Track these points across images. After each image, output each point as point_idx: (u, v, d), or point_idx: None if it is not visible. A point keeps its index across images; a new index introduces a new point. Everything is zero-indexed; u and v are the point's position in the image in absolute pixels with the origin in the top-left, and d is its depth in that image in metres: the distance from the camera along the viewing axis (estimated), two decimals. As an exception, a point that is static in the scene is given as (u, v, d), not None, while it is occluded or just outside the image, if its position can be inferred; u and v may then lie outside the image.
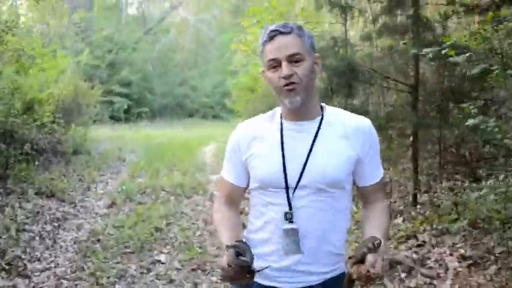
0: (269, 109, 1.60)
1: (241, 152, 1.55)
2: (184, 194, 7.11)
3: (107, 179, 8.45)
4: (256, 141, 1.52)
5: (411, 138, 5.26)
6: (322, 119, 1.48)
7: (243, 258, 1.32)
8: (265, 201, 1.51)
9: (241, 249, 1.35)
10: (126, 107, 24.08)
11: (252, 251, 1.37)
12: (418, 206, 5.04)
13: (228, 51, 33.43)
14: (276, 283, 1.51)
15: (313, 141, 1.45)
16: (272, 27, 1.44)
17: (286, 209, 1.45)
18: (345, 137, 1.46)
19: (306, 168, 1.43)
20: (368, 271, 1.23)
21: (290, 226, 1.44)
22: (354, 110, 2.03)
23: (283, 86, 1.41)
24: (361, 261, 1.27)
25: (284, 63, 1.40)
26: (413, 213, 4.90)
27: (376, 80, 5.34)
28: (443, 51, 3.33)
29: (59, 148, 9.05)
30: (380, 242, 1.29)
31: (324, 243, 1.47)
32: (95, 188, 7.56)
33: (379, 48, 6.11)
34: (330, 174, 1.43)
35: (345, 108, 1.78)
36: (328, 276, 1.51)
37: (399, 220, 4.80)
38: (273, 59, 1.42)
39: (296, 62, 1.40)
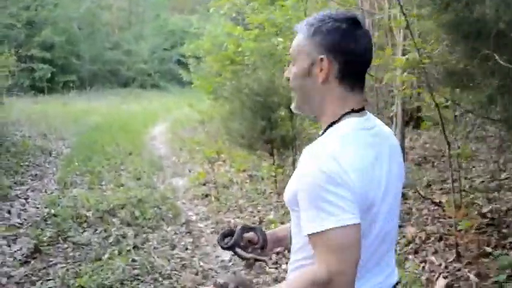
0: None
1: None
2: (148, 222, 4.75)
3: (25, 192, 5.87)
4: None
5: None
6: (322, 134, 1.25)
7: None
8: None
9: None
10: (49, 75, 20.65)
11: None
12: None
13: (165, 10, 30.28)
14: None
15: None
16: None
17: None
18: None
19: None
20: None
21: None
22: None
23: None
24: None
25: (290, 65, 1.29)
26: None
27: None
28: None
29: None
30: None
31: None
32: (4, 214, 5.01)
33: None
34: (284, 197, 1.27)
35: None
36: None
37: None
38: None
39: (292, 64, 1.27)
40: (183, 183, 6.39)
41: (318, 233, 1.08)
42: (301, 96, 1.26)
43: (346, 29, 1.17)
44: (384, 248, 1.23)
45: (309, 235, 1.10)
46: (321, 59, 1.18)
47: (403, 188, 1.40)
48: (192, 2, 35.08)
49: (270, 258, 3.42)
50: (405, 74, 3.83)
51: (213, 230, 4.64)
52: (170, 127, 11.61)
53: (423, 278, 3.19)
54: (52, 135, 10.12)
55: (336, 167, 1.08)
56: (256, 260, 1.43)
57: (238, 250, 1.42)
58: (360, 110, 1.21)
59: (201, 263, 3.82)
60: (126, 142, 9.26)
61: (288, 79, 1.27)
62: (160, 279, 3.57)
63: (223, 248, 1.45)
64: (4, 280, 3.53)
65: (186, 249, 4.18)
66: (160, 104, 17.91)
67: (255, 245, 1.44)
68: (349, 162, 1.10)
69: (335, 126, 1.20)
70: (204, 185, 6.14)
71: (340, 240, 1.06)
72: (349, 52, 1.18)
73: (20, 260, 3.88)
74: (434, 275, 3.19)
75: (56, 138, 9.76)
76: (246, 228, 1.47)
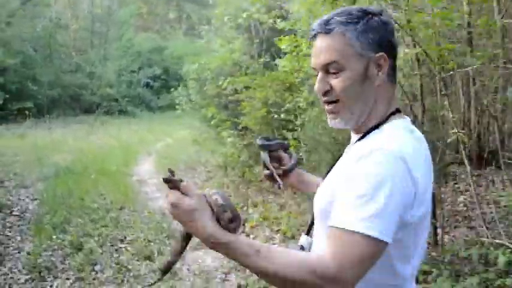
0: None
1: None
2: None
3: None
4: None
5: None
6: (360, 139, 1.15)
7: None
8: None
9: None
10: (1, 101, 18.07)
11: None
12: None
13: (129, 30, 28.06)
14: None
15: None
16: (314, 24, 1.15)
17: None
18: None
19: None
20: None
21: None
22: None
23: (323, 103, 1.18)
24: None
25: (319, 75, 1.14)
26: None
27: None
28: None
29: None
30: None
31: None
32: None
33: None
34: (315, 203, 1.20)
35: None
36: None
37: None
38: (313, 68, 1.17)
39: (334, 72, 1.11)
40: (213, 263, 4.45)
41: (350, 231, 0.96)
42: (355, 107, 1.11)
43: (386, 22, 1.11)
44: (416, 268, 1.13)
45: (337, 228, 0.98)
46: (379, 58, 1.09)
47: None
48: (159, 21, 33.19)
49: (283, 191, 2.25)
50: None
51: None
52: (158, 165, 9.57)
53: None
54: (11, 181, 7.92)
55: (405, 172, 0.98)
56: (273, 178, 1.39)
57: (267, 156, 1.39)
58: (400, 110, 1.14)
59: None
60: (110, 191, 7.20)
61: (325, 93, 1.13)
62: None
63: (258, 145, 1.41)
64: None
65: None
66: (133, 133, 15.76)
67: (281, 166, 1.43)
68: (414, 164, 1.00)
69: (381, 128, 1.10)
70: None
71: (364, 251, 0.95)
72: (395, 47, 1.13)
73: None
74: None
75: (17, 187, 7.57)
76: (285, 147, 1.46)
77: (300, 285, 0.95)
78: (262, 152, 1.42)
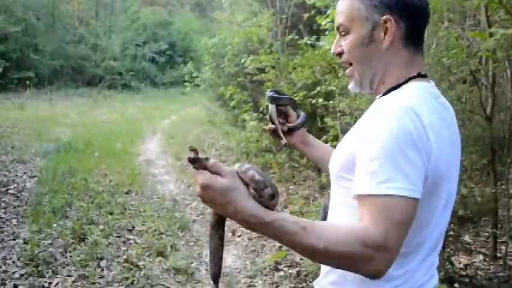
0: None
1: None
2: None
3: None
4: None
5: None
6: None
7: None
8: None
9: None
10: (1, 70, 17.40)
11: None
12: None
13: (135, 2, 27.11)
14: None
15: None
16: None
17: None
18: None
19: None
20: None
21: None
22: None
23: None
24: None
25: (336, 37, 1.15)
26: None
27: None
28: None
29: None
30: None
31: None
32: None
33: None
34: (332, 164, 1.14)
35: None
36: None
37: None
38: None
39: (344, 35, 1.11)
40: (235, 264, 3.90)
41: (377, 195, 0.92)
42: (361, 69, 1.11)
43: None
44: (435, 241, 1.06)
45: (362, 196, 0.94)
46: (385, 21, 1.05)
47: None
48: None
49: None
50: None
51: None
52: (165, 145, 9.00)
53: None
54: (8, 155, 7.35)
55: (417, 123, 0.94)
56: (277, 134, 1.36)
57: (274, 109, 1.36)
58: (425, 76, 1.08)
59: None
60: (115, 171, 6.64)
61: (339, 54, 1.14)
62: None
63: (267, 97, 1.38)
64: None
65: None
66: (138, 109, 15.14)
67: (287, 122, 1.40)
68: (429, 120, 0.96)
69: (399, 89, 1.05)
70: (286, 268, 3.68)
71: (403, 212, 0.91)
72: (413, 8, 1.05)
73: None
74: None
75: (14, 162, 6.99)
76: (294, 105, 1.42)
77: (349, 258, 0.89)
78: (270, 105, 1.37)
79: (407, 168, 0.90)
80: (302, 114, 1.42)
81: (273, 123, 1.36)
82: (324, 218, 1.17)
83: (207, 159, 0.91)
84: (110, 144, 8.58)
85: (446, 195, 1.04)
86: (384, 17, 1.03)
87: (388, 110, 0.95)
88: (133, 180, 6.18)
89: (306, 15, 5.41)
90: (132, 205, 5.25)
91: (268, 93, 1.38)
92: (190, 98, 16.45)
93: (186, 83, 12.25)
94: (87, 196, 5.35)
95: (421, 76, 1.06)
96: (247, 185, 0.91)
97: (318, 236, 0.88)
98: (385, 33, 1.04)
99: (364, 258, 0.87)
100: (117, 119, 12.27)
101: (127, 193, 5.67)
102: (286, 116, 1.41)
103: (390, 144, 0.91)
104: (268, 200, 0.91)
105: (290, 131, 1.38)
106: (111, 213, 4.86)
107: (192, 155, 0.91)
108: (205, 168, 0.91)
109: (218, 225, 0.97)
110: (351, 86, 1.14)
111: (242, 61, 5.66)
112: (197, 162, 0.91)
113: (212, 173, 0.90)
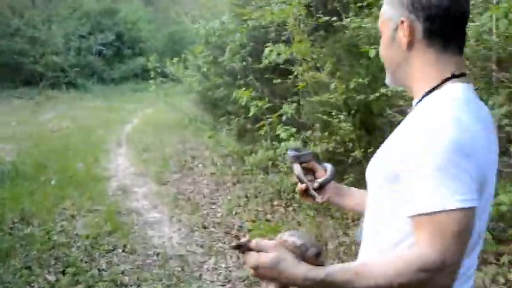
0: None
1: None
2: None
3: None
4: None
5: None
6: (417, 104, 1.09)
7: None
8: None
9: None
10: None
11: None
12: None
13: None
14: None
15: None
16: None
17: None
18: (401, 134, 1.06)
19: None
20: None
21: None
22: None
23: None
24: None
25: None
26: None
27: None
28: None
29: None
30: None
31: None
32: None
33: None
34: (372, 173, 1.12)
35: None
36: None
37: None
38: None
39: (381, 37, 1.17)
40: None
41: (431, 213, 0.91)
42: (390, 67, 1.15)
43: None
44: (474, 243, 1.01)
45: (419, 215, 0.92)
46: (402, 21, 1.07)
47: None
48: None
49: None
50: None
51: None
52: (137, 162, 7.25)
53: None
54: None
55: (465, 133, 0.93)
56: (309, 193, 1.28)
57: (300, 168, 1.29)
58: (461, 75, 1.05)
59: None
60: (84, 209, 4.90)
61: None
62: None
63: (289, 157, 1.32)
64: None
65: None
66: (90, 112, 13.10)
67: (315, 177, 1.31)
68: (473, 127, 0.96)
69: (436, 92, 1.03)
70: None
71: (460, 224, 0.90)
72: (432, 6, 1.03)
73: None
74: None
75: None
76: (316, 157, 1.36)
77: (408, 286, 0.88)
78: (294, 164, 1.30)
79: (462, 178, 0.90)
80: (329, 166, 1.32)
81: (302, 182, 1.28)
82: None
83: (249, 241, 0.96)
84: (67, 164, 6.74)
85: (488, 198, 1.02)
86: (401, 18, 1.05)
87: (432, 121, 0.93)
88: (113, 225, 4.47)
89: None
90: (123, 273, 3.58)
91: (289, 152, 1.32)
92: (146, 95, 14.68)
93: (151, 81, 10.54)
94: (55, 265, 3.62)
95: (456, 76, 1.03)
96: (293, 251, 0.94)
97: (372, 276, 0.89)
98: (403, 34, 1.05)
99: (427, 281, 0.87)
100: (68, 127, 10.27)
101: (111, 251, 3.97)
102: (313, 172, 1.33)
103: (442, 158, 0.89)
104: (315, 259, 0.94)
105: (321, 187, 1.29)
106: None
107: (234, 243, 0.98)
108: (250, 249, 0.96)
109: None
110: (387, 80, 1.16)
111: (266, 52, 4.13)
112: (242, 247, 0.97)
113: (258, 251, 0.95)
